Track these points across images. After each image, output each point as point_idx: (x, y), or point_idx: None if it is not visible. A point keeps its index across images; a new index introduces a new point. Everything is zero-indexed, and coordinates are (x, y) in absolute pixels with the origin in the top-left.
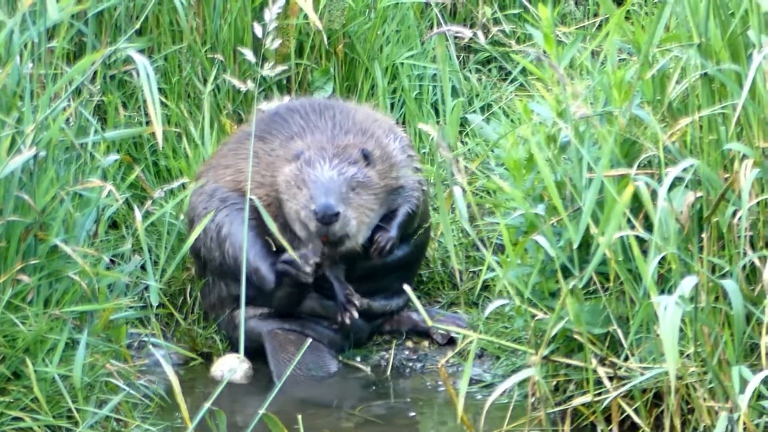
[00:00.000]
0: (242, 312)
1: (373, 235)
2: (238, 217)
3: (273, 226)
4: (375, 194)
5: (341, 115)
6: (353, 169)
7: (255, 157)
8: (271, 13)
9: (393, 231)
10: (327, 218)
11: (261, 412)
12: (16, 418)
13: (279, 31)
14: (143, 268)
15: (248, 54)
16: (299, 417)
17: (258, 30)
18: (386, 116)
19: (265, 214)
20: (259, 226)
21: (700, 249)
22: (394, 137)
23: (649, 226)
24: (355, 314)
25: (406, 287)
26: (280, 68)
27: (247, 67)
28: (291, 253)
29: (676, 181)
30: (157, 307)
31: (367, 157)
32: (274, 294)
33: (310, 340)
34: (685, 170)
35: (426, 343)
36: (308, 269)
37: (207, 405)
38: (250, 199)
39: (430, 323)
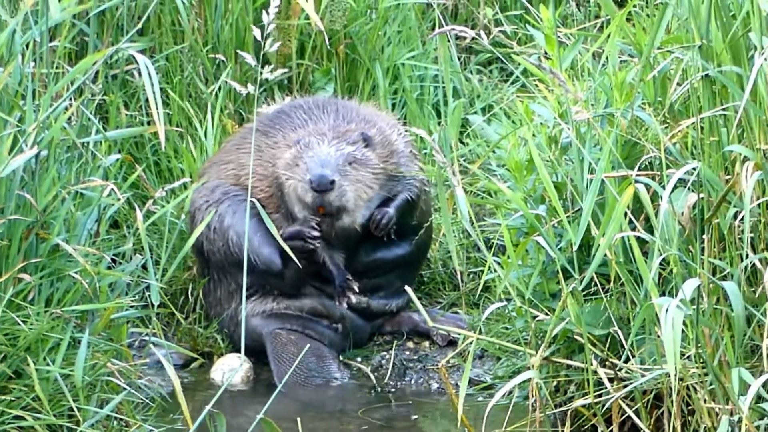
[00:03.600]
0: (243, 302)
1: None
2: (240, 207)
3: (268, 220)
4: (374, 173)
5: (344, 109)
6: (351, 147)
7: (258, 150)
8: (268, 16)
9: (391, 209)
10: (322, 186)
11: (259, 416)
12: (18, 417)
13: (280, 32)
14: (144, 267)
15: (248, 58)
16: (299, 420)
17: (257, 33)
18: (390, 115)
19: (262, 211)
20: (259, 214)
21: (702, 251)
22: (398, 131)
23: (649, 228)
24: (353, 299)
25: (407, 288)
26: (280, 71)
27: (248, 68)
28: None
29: (678, 183)
30: (158, 306)
31: (366, 139)
32: (283, 275)
33: (309, 345)
34: (686, 172)
35: (427, 343)
36: (315, 233)
37: (207, 407)
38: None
39: (430, 324)
